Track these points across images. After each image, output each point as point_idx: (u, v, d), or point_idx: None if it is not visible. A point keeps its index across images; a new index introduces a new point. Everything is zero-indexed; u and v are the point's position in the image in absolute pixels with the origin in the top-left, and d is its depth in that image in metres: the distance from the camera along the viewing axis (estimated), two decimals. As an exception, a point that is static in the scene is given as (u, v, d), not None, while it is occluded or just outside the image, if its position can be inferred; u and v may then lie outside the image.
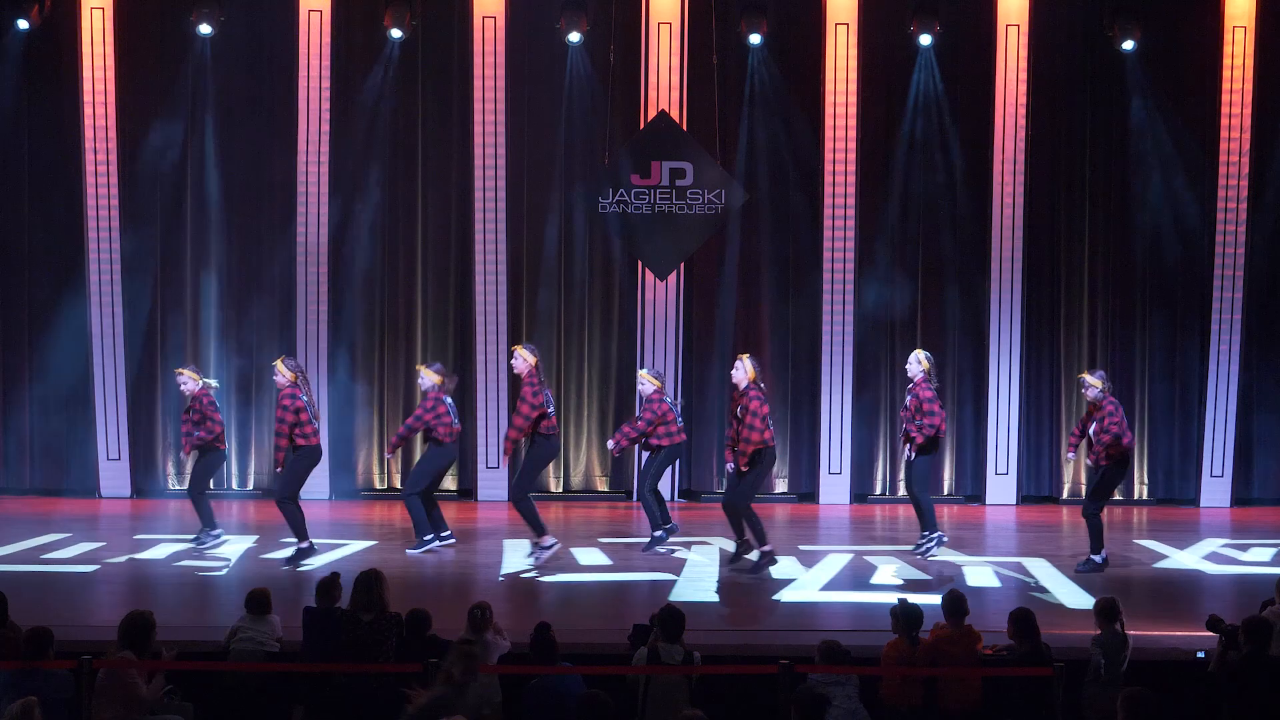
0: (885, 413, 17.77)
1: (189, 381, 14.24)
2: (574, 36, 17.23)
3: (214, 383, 14.63)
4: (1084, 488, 17.71)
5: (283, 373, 13.75)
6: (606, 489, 17.97)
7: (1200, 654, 10.18)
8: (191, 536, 14.37)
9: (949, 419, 17.80)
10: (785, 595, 12.54)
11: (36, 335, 17.58)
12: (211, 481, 14.89)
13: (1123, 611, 9.74)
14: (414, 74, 17.61)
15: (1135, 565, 14.00)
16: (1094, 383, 13.77)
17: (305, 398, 13.79)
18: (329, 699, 9.56)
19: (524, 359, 13.87)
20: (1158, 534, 15.67)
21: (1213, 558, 14.38)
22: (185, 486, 17.12)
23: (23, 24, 17.00)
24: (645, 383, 14.32)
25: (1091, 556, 13.64)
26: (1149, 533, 15.85)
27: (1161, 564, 14.12)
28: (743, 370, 13.64)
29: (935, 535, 14.13)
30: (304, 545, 13.67)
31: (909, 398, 14.19)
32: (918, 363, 14.23)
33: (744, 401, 13.53)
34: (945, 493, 17.90)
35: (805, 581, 13.06)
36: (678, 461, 17.56)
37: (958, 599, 9.91)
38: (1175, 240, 17.66)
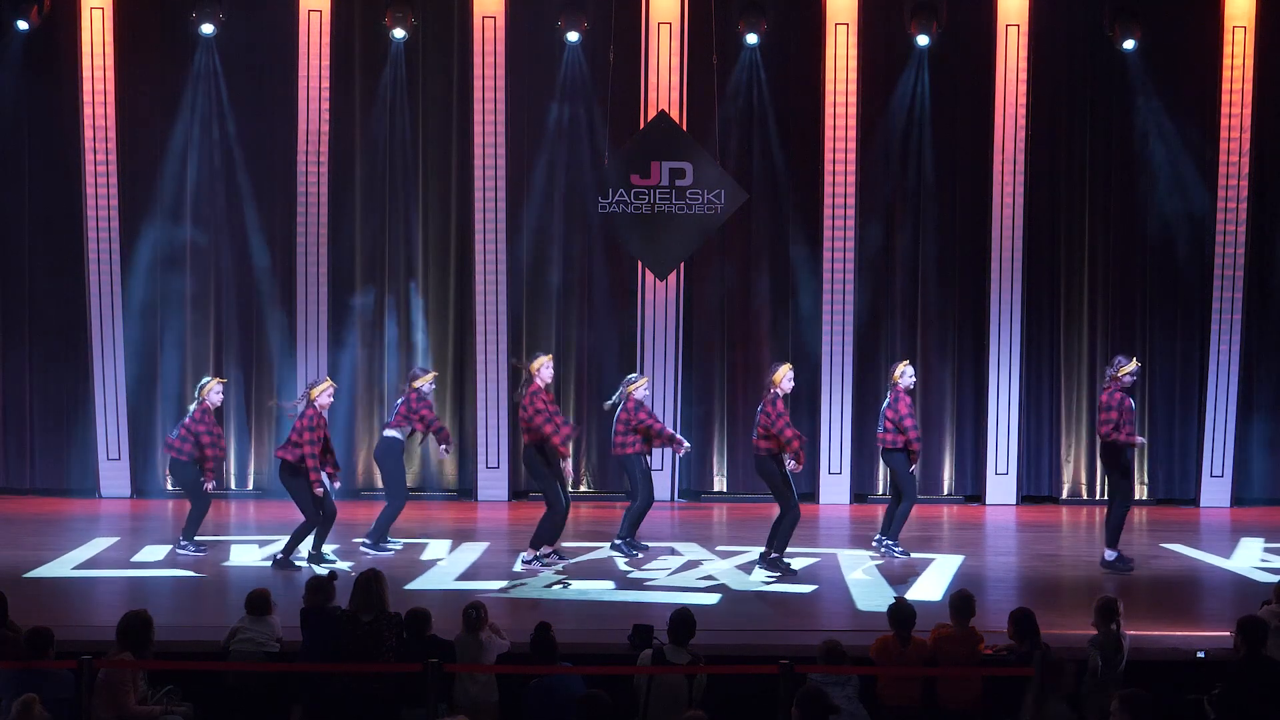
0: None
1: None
2: (573, 36, 17.24)
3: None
4: (1084, 488, 17.74)
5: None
6: (605, 490, 17.95)
7: (1200, 654, 10.18)
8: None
9: (949, 418, 17.85)
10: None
11: (36, 335, 17.58)
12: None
13: (1121, 612, 9.74)
14: (414, 74, 17.61)
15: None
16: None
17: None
18: (329, 699, 9.57)
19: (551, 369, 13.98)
20: (1182, 537, 15.57)
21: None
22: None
23: (23, 25, 16.98)
24: (645, 389, 14.44)
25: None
26: (1175, 535, 15.73)
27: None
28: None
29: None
30: (304, 558, 13.62)
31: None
32: (910, 375, 14.42)
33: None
34: (945, 493, 17.91)
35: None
36: (677, 462, 17.61)
37: (966, 599, 9.92)
38: (1175, 240, 17.65)
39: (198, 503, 14.23)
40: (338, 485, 13.89)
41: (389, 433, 14.48)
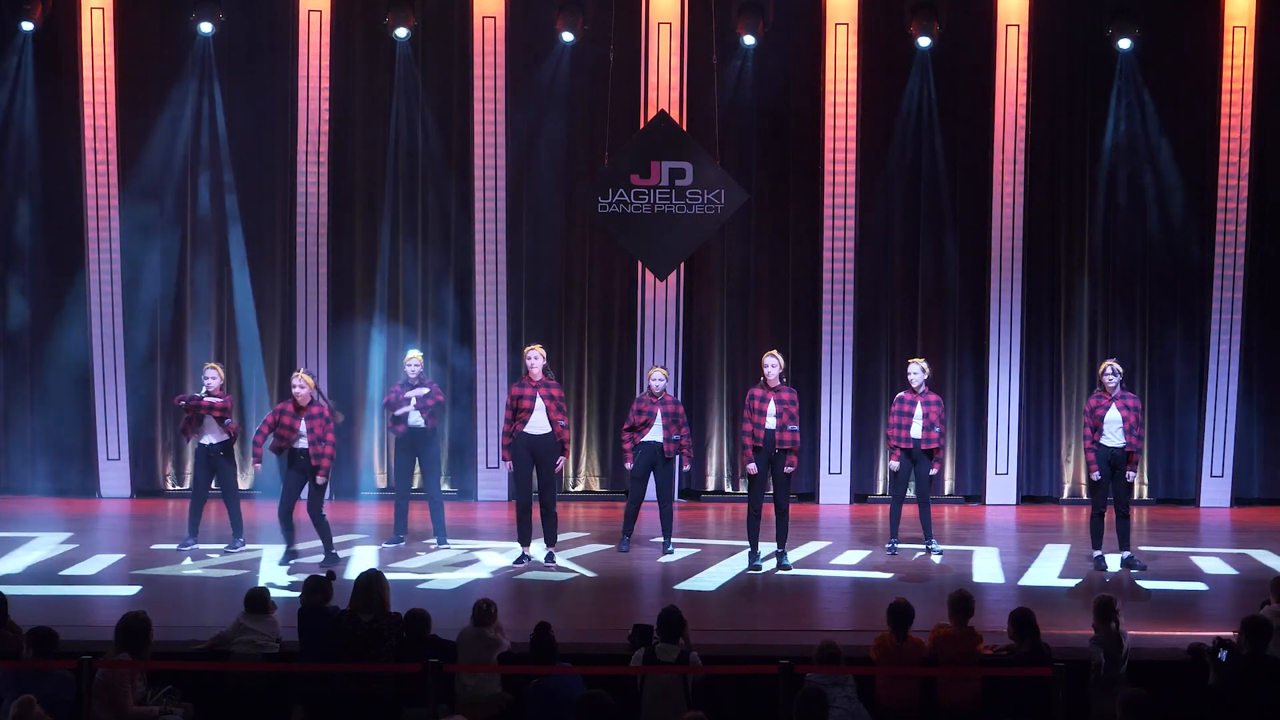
0: (885, 413, 17.71)
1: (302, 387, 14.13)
2: (573, 36, 17.25)
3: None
4: (1084, 488, 17.69)
5: (309, 384, 13.80)
6: (605, 489, 17.95)
7: (1200, 654, 10.17)
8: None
9: (950, 419, 17.84)
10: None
11: (37, 335, 17.56)
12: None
13: (1119, 610, 9.75)
14: (414, 74, 17.61)
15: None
16: (1119, 369, 13.91)
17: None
18: (329, 699, 9.57)
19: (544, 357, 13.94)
20: (1158, 538, 15.64)
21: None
22: (187, 487, 17.21)
23: (27, 25, 16.99)
24: (664, 380, 14.45)
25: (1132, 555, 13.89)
26: (1164, 536, 15.81)
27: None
28: (778, 366, 13.74)
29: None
30: (296, 549, 13.66)
31: (926, 407, 14.27)
32: (923, 371, 14.42)
33: (784, 396, 13.65)
34: (946, 493, 17.90)
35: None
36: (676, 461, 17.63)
37: (965, 599, 9.92)
38: (1175, 240, 17.66)
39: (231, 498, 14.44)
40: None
41: (414, 422, 14.55)
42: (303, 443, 13.58)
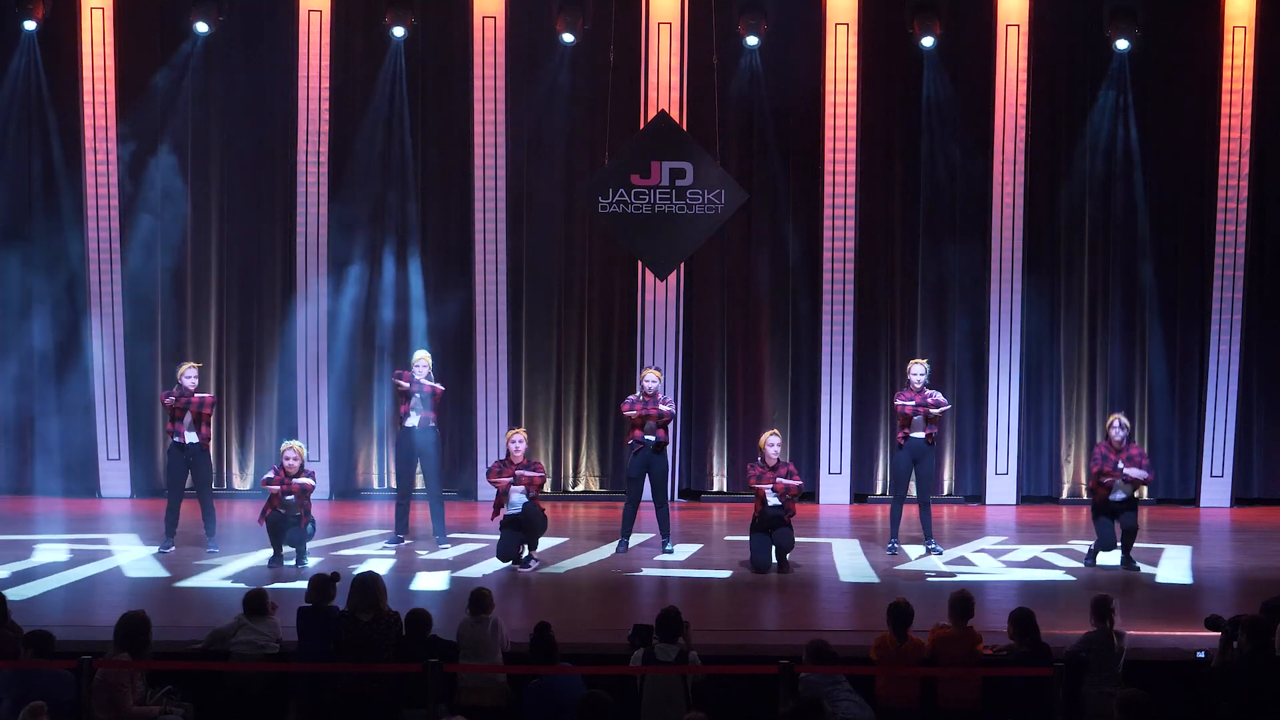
0: (885, 413, 17.74)
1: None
2: (573, 36, 17.25)
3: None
4: (1084, 488, 17.70)
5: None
6: (604, 489, 17.96)
7: (1200, 654, 10.18)
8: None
9: (949, 418, 17.84)
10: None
11: (37, 334, 17.56)
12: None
13: (1115, 610, 9.77)
14: (414, 73, 17.62)
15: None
16: (1126, 423, 14.03)
17: None
18: (328, 699, 9.58)
19: None
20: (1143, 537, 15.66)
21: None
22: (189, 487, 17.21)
23: (30, 25, 17.01)
24: (657, 381, 14.44)
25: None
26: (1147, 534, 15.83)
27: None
28: (777, 446, 13.90)
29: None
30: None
31: (925, 407, 14.32)
32: (925, 371, 14.49)
33: (781, 472, 13.81)
34: (945, 493, 17.90)
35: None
36: (678, 461, 17.63)
37: (965, 600, 9.92)
38: (1175, 240, 17.67)
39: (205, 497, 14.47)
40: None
41: (410, 422, 14.58)
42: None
